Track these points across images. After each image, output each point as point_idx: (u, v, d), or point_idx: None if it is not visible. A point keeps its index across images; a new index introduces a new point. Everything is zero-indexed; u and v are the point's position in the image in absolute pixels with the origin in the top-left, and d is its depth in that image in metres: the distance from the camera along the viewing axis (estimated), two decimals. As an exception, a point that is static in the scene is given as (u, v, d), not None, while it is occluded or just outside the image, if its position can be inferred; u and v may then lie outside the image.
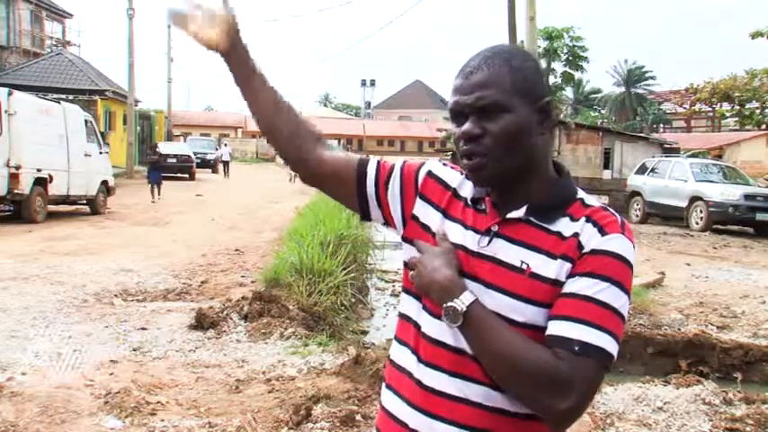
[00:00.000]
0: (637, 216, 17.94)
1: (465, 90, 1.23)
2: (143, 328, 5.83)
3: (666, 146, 22.60)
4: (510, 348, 1.15)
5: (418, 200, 1.36)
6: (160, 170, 19.04)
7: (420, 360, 1.29)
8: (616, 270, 1.17)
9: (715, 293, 8.26)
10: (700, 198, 15.70)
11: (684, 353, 6.36)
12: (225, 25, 1.37)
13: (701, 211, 15.66)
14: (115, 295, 7.10)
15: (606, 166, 21.13)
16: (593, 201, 1.27)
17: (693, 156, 22.02)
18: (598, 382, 1.16)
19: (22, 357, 4.89)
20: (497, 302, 1.20)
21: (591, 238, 1.19)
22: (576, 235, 1.20)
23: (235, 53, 1.41)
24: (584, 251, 1.18)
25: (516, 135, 1.21)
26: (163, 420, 3.85)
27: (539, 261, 1.20)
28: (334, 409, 3.97)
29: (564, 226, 1.22)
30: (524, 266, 1.20)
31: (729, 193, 15.26)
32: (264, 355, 5.22)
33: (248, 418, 3.84)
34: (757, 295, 8.13)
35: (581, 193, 1.27)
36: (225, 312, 6.13)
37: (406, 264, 1.36)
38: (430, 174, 1.38)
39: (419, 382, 1.28)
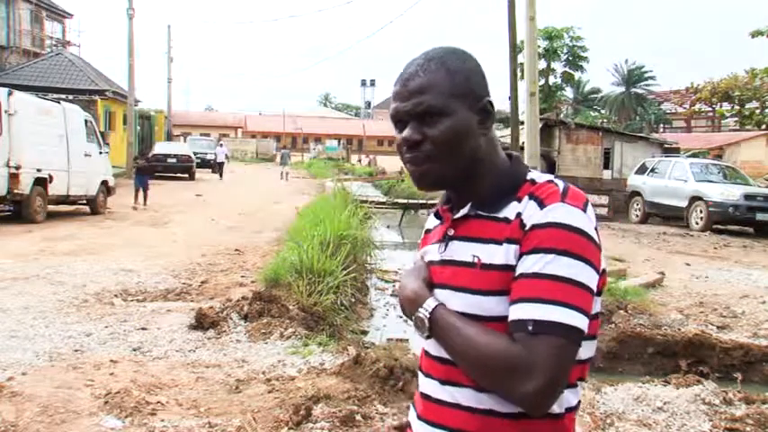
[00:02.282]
0: (637, 216, 17.94)
1: (403, 97, 1.23)
2: (143, 328, 5.83)
3: (666, 146, 22.58)
4: (468, 343, 1.15)
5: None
6: (148, 175, 17.42)
7: (422, 373, 1.33)
8: (560, 239, 1.13)
9: (715, 293, 8.26)
10: (700, 198, 15.70)
11: (684, 353, 6.36)
12: None
13: (701, 211, 15.66)
14: (115, 295, 7.10)
15: (606, 166, 21.12)
16: (541, 177, 1.24)
17: (693, 156, 22.02)
18: (564, 357, 1.11)
19: (22, 357, 4.89)
20: (463, 302, 1.21)
21: (532, 215, 1.17)
22: (518, 215, 1.19)
23: None
24: (525, 229, 1.16)
25: (456, 138, 1.21)
26: (163, 420, 3.85)
27: (487, 251, 1.20)
28: (334, 409, 3.97)
29: (510, 210, 1.21)
30: (475, 260, 1.21)
31: (729, 193, 15.26)
32: (264, 355, 5.22)
33: (248, 418, 3.83)
34: (757, 295, 8.13)
35: (532, 174, 1.25)
36: (225, 312, 6.13)
37: None
38: (427, 231, 1.43)
39: (422, 393, 1.32)
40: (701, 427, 4.11)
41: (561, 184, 1.21)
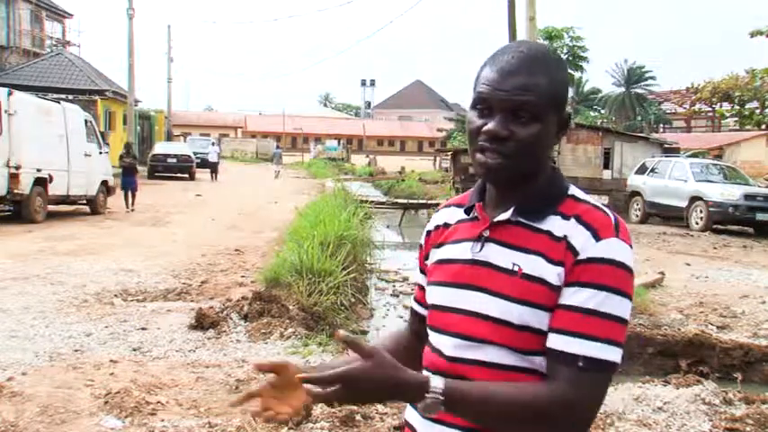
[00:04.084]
0: (637, 216, 17.93)
1: (501, 86, 1.20)
2: (143, 328, 5.83)
3: (666, 146, 22.59)
4: (500, 409, 1.14)
5: (431, 254, 1.39)
6: (134, 175, 16.20)
7: (429, 372, 1.31)
8: (614, 277, 1.16)
9: (715, 293, 8.26)
10: (700, 198, 15.69)
11: (684, 353, 6.36)
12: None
13: (701, 211, 15.65)
14: (115, 295, 7.10)
15: (606, 166, 21.13)
16: (584, 196, 1.26)
17: (693, 156, 22.01)
18: (604, 392, 1.18)
19: (22, 357, 4.89)
20: (498, 307, 1.20)
21: (585, 244, 1.17)
22: (565, 237, 1.19)
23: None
24: (579, 258, 1.17)
25: (538, 144, 1.22)
26: (163, 420, 3.85)
27: (530, 262, 1.20)
28: (335, 408, 3.97)
29: (554, 225, 1.21)
30: (516, 268, 1.20)
31: (729, 193, 15.25)
32: (264, 355, 5.22)
33: (248, 418, 3.84)
34: (757, 295, 8.13)
35: (572, 189, 1.27)
36: (225, 312, 6.13)
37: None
38: (427, 233, 1.43)
39: None
40: (700, 427, 4.11)
41: (611, 214, 1.22)
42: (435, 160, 46.40)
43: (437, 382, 1.14)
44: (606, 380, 1.16)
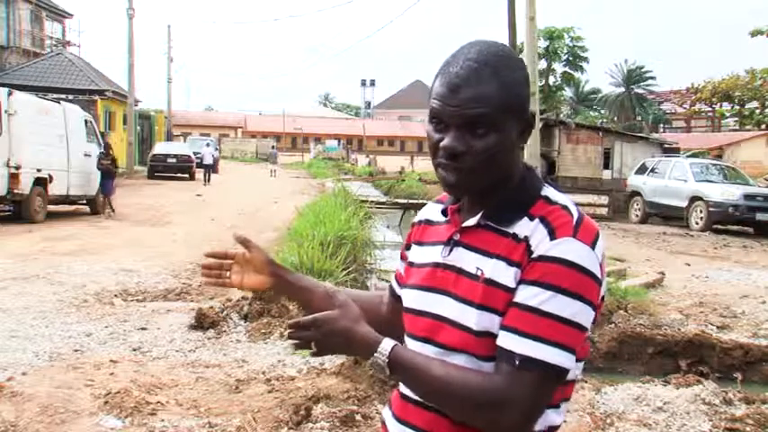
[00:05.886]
0: (637, 216, 17.94)
1: (450, 101, 1.17)
2: (143, 328, 5.83)
3: (666, 146, 22.59)
4: (441, 383, 1.15)
5: (411, 248, 1.39)
6: (112, 179, 14.84)
7: None
8: (562, 277, 1.12)
9: (715, 293, 8.26)
10: (700, 198, 15.70)
11: (684, 353, 6.35)
12: (261, 265, 1.45)
13: (700, 211, 15.66)
14: (115, 295, 7.10)
15: (606, 166, 21.11)
16: (558, 197, 1.21)
17: (693, 156, 22.02)
18: (543, 393, 1.13)
19: (22, 357, 4.89)
20: (461, 313, 1.19)
21: (540, 243, 1.14)
22: (526, 238, 1.16)
23: (283, 284, 1.47)
24: (532, 257, 1.14)
25: (499, 153, 1.18)
26: (163, 420, 3.85)
27: (492, 266, 1.18)
28: (334, 409, 3.97)
29: (520, 227, 1.18)
30: (479, 273, 1.18)
31: (729, 193, 15.26)
32: (264, 355, 5.22)
33: (248, 418, 3.84)
34: (757, 295, 8.13)
35: (546, 190, 1.22)
36: (225, 312, 6.14)
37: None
38: (412, 225, 1.42)
39: (400, 393, 1.31)
40: (700, 427, 4.11)
41: (575, 214, 1.18)
42: (412, 160, 49.98)
43: (386, 346, 1.18)
44: (546, 382, 1.12)
